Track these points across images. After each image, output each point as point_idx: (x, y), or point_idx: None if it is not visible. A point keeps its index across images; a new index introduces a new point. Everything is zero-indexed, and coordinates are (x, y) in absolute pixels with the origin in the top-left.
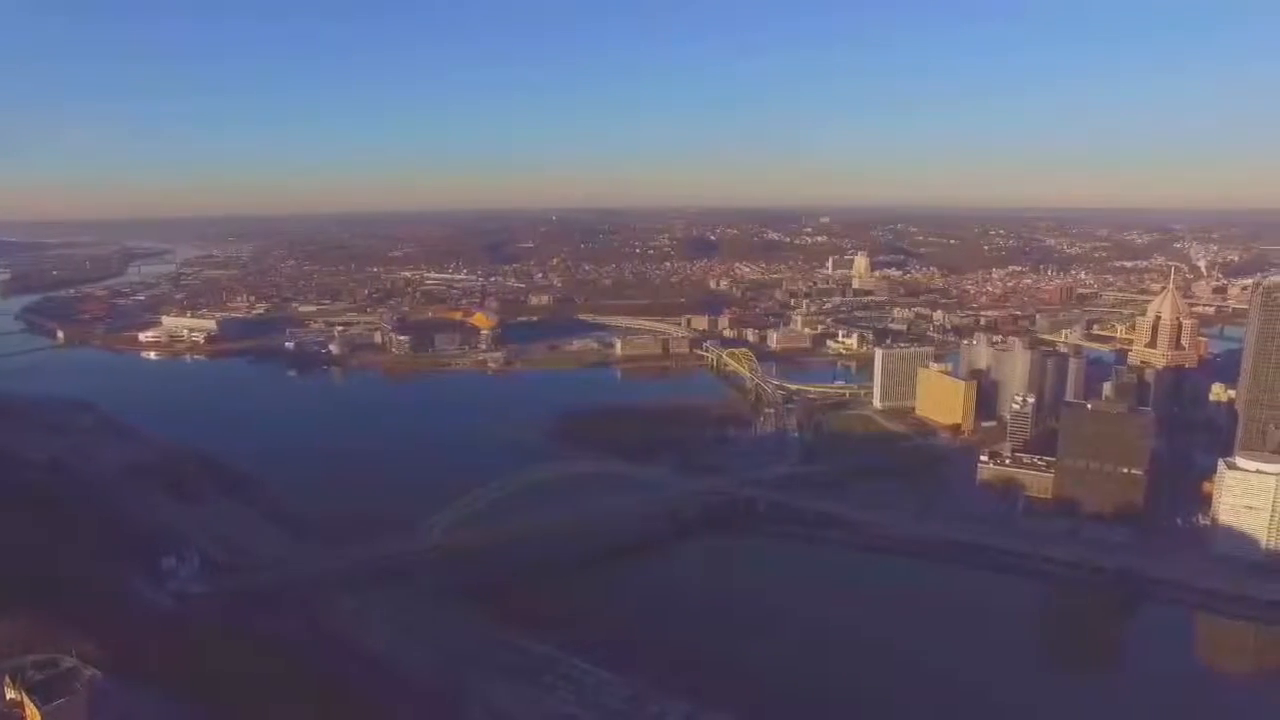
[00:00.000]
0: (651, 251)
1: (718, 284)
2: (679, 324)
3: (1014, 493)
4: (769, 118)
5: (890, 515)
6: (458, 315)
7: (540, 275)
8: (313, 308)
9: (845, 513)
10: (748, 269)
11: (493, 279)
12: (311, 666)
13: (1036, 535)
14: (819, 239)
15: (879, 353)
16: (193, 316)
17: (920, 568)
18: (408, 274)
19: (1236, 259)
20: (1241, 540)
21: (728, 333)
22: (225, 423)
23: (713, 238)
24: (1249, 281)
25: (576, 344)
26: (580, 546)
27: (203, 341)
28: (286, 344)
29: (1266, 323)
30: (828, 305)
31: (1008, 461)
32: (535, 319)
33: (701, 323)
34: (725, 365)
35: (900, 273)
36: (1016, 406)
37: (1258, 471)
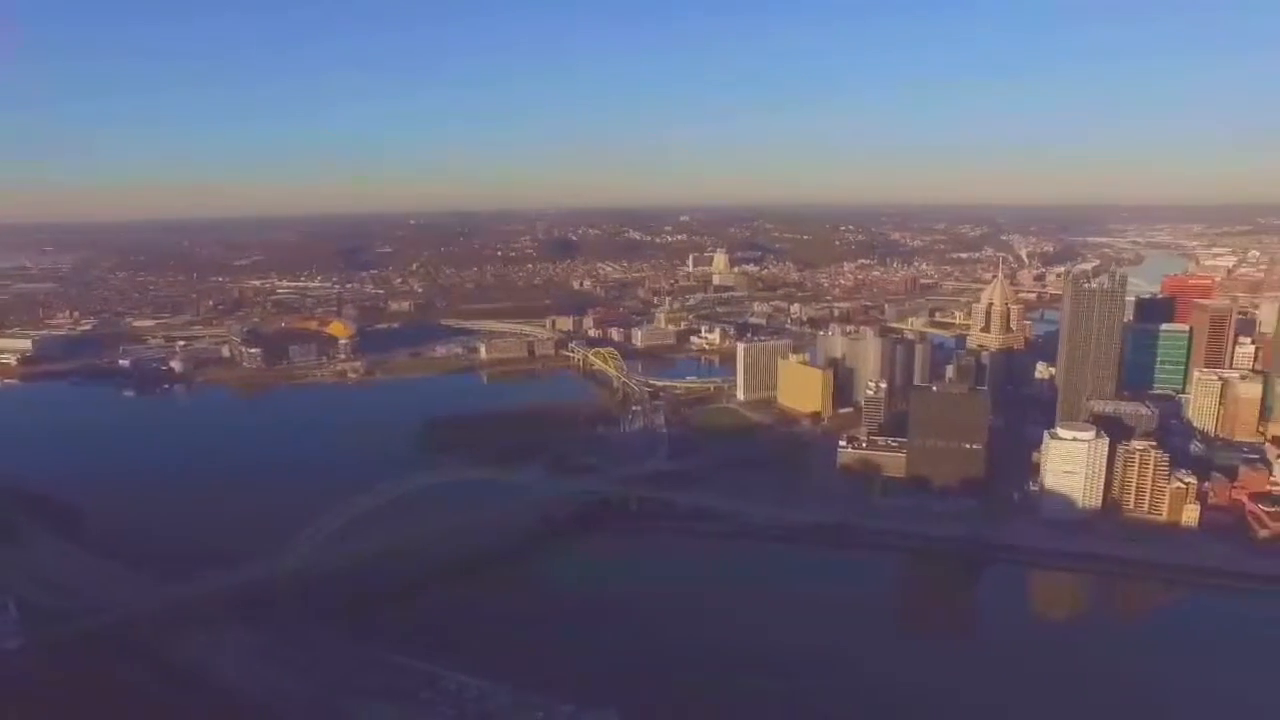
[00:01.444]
0: (513, 254)
1: (581, 284)
2: (544, 325)
3: (872, 474)
4: (625, 119)
5: (758, 503)
6: (313, 325)
7: (400, 281)
8: (151, 322)
9: (715, 504)
10: (610, 268)
11: (350, 286)
12: (162, 712)
13: (892, 512)
14: (679, 237)
15: (741, 346)
16: (2, 336)
17: (788, 551)
18: (257, 283)
19: (1051, 249)
20: (1063, 502)
21: (593, 332)
22: (45, 452)
23: (574, 238)
24: (1061, 269)
25: (440, 350)
26: (451, 556)
27: (15, 364)
28: (121, 362)
29: (1076, 307)
30: (690, 302)
31: (864, 445)
32: (396, 326)
33: (566, 323)
34: (591, 365)
35: (758, 268)
36: (870, 392)
37: (1074, 440)
